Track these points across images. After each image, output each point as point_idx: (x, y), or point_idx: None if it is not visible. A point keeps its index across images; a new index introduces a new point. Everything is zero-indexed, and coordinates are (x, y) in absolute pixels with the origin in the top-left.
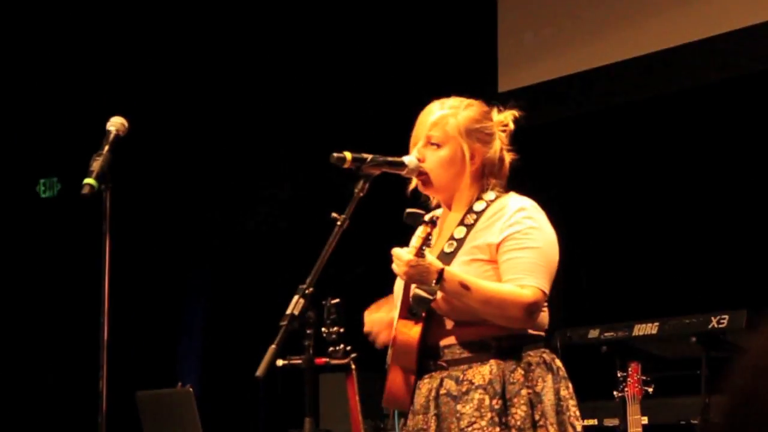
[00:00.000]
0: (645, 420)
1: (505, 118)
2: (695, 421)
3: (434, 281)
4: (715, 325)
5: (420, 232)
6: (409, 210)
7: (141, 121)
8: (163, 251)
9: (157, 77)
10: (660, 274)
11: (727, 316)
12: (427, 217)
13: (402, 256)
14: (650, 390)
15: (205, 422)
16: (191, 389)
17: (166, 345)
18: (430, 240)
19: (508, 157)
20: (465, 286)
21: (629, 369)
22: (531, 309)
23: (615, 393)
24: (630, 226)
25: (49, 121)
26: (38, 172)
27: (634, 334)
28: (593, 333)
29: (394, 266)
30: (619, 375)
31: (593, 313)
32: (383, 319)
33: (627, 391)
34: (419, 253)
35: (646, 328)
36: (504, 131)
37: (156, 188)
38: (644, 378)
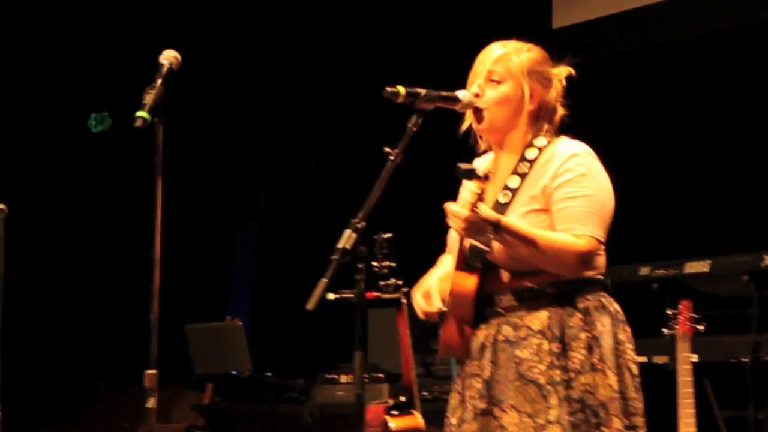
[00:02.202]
0: (695, 358)
1: (560, 72)
2: (746, 360)
3: (491, 233)
4: None
5: (474, 187)
6: (461, 165)
7: (194, 55)
8: (213, 185)
9: (210, 10)
10: (712, 211)
11: None
12: (480, 172)
13: (458, 212)
14: (701, 328)
15: (254, 355)
16: (240, 323)
17: (216, 279)
18: (483, 195)
19: (560, 110)
20: (521, 237)
21: (680, 306)
22: (585, 258)
23: (665, 330)
24: (683, 163)
25: (100, 55)
26: (90, 107)
27: (685, 271)
28: (644, 270)
29: (450, 222)
30: (669, 312)
31: (644, 250)
32: (431, 294)
33: (677, 329)
34: (474, 208)
35: (697, 266)
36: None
37: (207, 122)
38: (695, 316)
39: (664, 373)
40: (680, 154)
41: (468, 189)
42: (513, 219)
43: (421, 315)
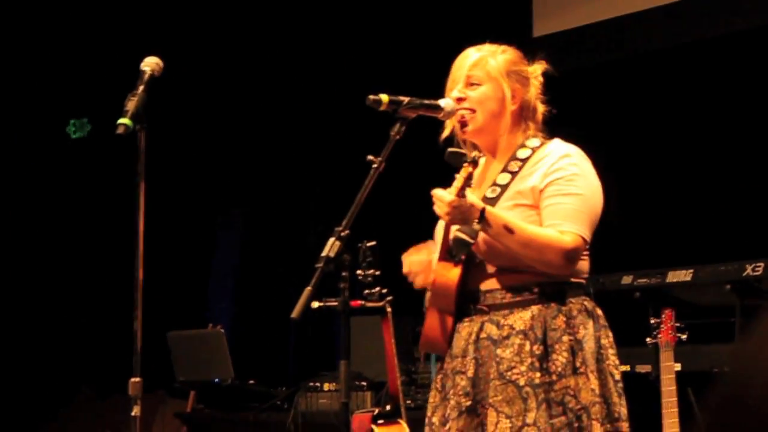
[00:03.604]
0: (678, 367)
1: (535, 70)
2: (728, 369)
3: (476, 220)
4: (750, 273)
5: (462, 172)
6: (450, 149)
7: (175, 61)
8: (196, 192)
9: (192, 16)
10: (695, 220)
11: (762, 264)
12: (469, 157)
13: (444, 197)
14: (683, 337)
15: (237, 363)
16: (222, 330)
17: (198, 286)
18: (471, 180)
19: (541, 107)
20: (506, 227)
21: (663, 315)
22: (570, 255)
23: (648, 339)
24: (666, 172)
25: (80, 60)
26: (69, 113)
27: (667, 280)
28: (626, 279)
29: (436, 207)
30: (652, 321)
31: (627, 259)
32: (422, 260)
33: (660, 338)
34: (461, 194)
35: (680, 275)
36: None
37: (188, 129)
38: (678, 325)
39: (648, 383)
40: (663, 164)
41: (457, 175)
42: (499, 210)
43: (406, 267)
